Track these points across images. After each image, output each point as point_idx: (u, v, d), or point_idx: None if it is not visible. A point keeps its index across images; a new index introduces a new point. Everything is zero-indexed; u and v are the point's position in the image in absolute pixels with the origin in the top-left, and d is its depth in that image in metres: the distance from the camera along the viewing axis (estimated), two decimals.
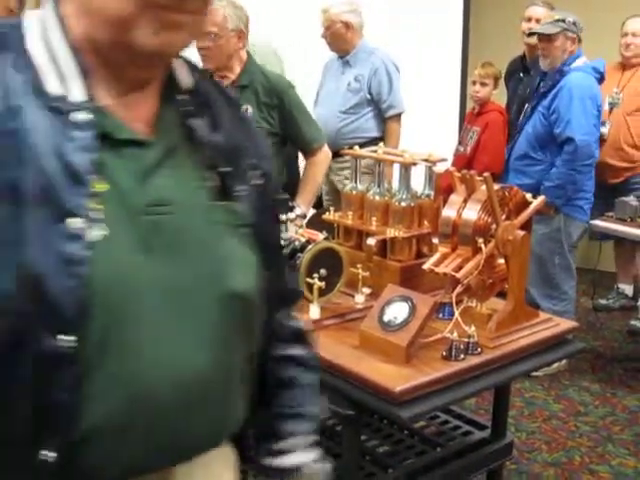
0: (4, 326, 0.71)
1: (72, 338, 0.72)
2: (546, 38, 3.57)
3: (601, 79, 3.67)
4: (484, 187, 1.89)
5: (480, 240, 1.87)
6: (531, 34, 3.85)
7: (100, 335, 0.74)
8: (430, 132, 4.23)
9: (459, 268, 1.86)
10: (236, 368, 0.87)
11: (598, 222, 3.69)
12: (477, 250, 1.88)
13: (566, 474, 2.86)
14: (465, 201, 1.93)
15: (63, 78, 0.78)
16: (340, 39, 4.00)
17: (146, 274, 0.78)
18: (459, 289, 1.87)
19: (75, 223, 0.73)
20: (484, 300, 1.98)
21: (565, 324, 2.11)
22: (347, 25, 3.96)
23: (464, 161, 3.97)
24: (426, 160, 2.17)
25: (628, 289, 4.63)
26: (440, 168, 2.19)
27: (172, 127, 0.85)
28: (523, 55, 4.44)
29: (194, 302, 0.81)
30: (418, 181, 2.23)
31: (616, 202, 3.67)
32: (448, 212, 1.94)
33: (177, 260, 0.80)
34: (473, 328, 1.84)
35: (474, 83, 4.09)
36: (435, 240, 2.04)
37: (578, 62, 3.60)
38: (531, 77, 4.13)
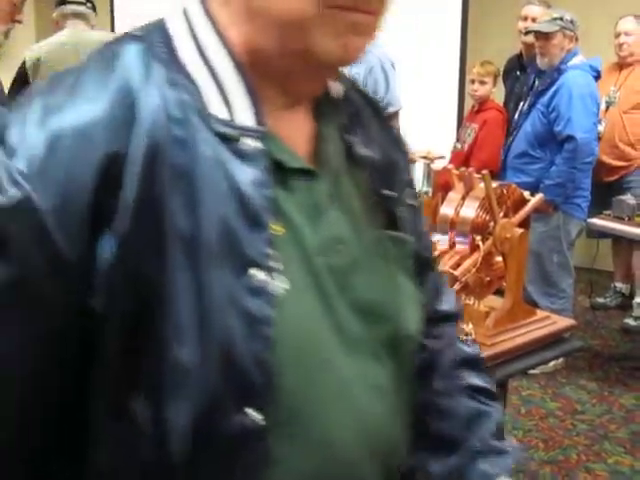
0: (189, 406, 0.59)
1: (261, 415, 0.60)
2: (544, 36, 3.57)
3: (597, 77, 3.67)
4: (482, 185, 1.89)
5: (478, 238, 1.87)
6: (528, 32, 3.85)
7: (289, 405, 0.63)
8: (428, 130, 4.22)
9: (457, 265, 1.86)
10: (405, 408, 0.79)
11: (596, 220, 3.69)
12: (475, 248, 1.88)
13: (563, 472, 2.86)
14: (463, 198, 1.93)
15: (226, 96, 0.64)
16: None
17: (327, 328, 0.67)
18: (457, 286, 1.86)
19: (258, 275, 0.61)
20: (482, 298, 1.98)
21: (562, 322, 2.11)
22: None
23: (461, 158, 3.97)
24: (424, 157, 2.17)
25: (625, 287, 4.64)
26: (438, 165, 2.19)
27: (332, 147, 0.73)
28: (520, 54, 4.44)
29: (374, 351, 0.72)
30: (416, 178, 2.23)
31: (613, 201, 3.67)
32: (446, 209, 1.94)
33: (354, 306, 0.70)
34: (470, 326, 1.83)
35: (473, 82, 4.09)
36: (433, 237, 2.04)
37: (575, 60, 3.61)
38: (527, 75, 4.13)
